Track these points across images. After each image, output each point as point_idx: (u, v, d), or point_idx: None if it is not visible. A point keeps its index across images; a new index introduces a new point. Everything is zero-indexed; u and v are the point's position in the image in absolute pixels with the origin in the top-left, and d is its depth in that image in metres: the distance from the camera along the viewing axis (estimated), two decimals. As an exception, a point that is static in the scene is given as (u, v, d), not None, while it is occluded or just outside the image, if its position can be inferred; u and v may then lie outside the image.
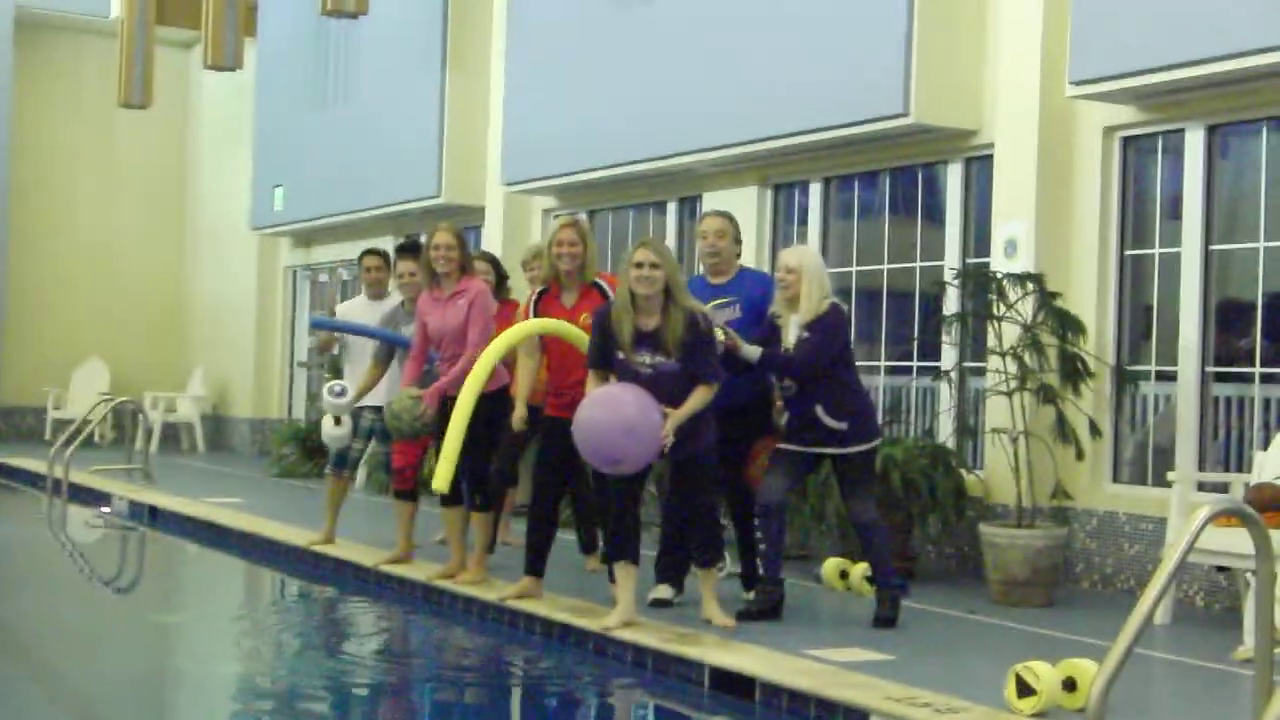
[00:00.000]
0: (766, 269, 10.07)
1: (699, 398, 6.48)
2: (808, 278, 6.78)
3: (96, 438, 16.86)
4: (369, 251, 9.40)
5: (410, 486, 8.39)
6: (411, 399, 7.45)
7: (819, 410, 6.74)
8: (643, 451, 6.36)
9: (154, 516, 11.78)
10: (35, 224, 18.91)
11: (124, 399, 14.80)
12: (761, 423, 7.13)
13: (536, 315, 7.33)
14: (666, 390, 6.44)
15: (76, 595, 8.90)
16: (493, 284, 8.58)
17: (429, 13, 13.56)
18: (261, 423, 17.68)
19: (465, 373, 7.26)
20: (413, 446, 8.27)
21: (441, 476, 7.02)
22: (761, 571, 6.93)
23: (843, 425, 6.75)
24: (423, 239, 7.93)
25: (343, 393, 8.62)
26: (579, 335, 7.02)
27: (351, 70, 15.19)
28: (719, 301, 7.15)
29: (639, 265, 6.43)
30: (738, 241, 7.36)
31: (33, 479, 14.41)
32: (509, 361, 7.58)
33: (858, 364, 7.15)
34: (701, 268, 7.44)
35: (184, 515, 11.32)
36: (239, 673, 6.72)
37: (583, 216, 8.78)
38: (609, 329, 6.53)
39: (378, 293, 9.23)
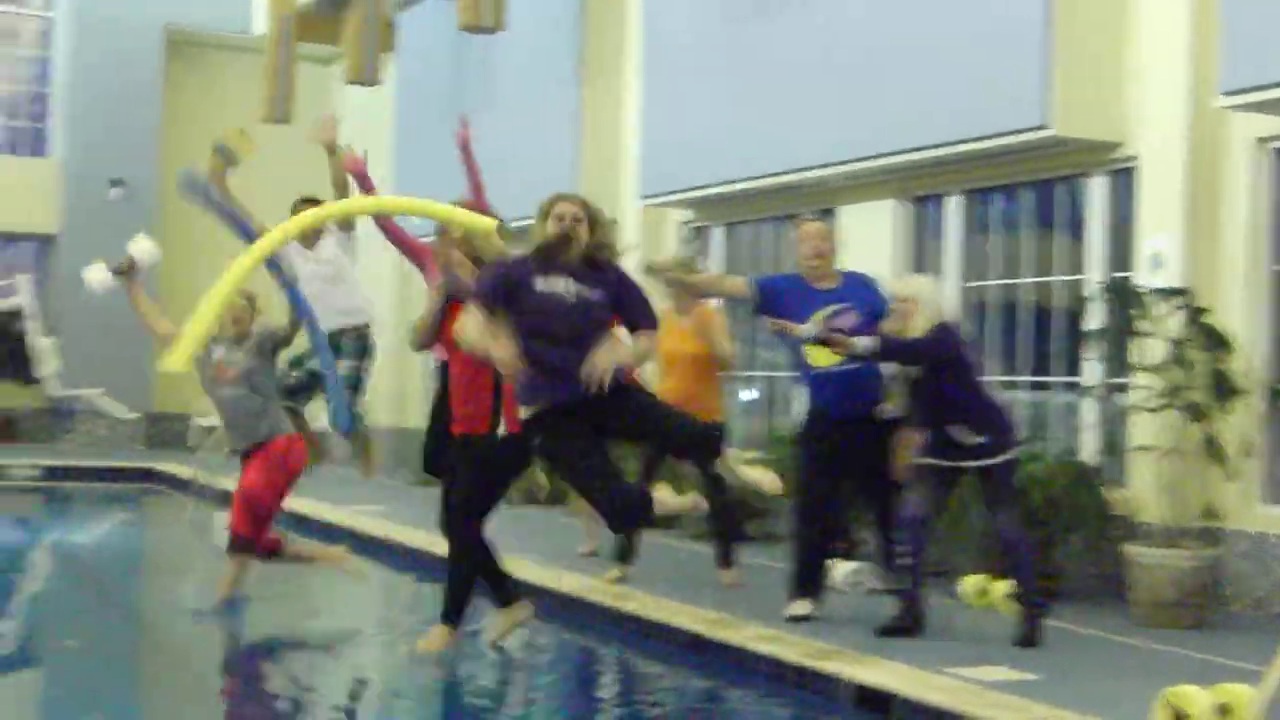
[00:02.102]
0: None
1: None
2: (924, 306, 6.86)
3: (240, 445, 17.24)
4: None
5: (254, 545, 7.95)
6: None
7: (955, 430, 6.77)
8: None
9: (298, 524, 12.00)
10: (185, 234, 19.42)
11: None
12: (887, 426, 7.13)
13: None
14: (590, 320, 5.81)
15: (224, 605, 9.12)
16: None
17: (565, 26, 13.70)
18: (401, 432, 17.94)
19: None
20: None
21: (180, 352, 5.88)
22: (901, 586, 6.94)
23: (981, 439, 6.77)
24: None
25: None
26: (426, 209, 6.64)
27: (489, 84, 15.38)
28: (835, 308, 7.10)
29: (560, 219, 5.93)
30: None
31: (179, 484, 14.79)
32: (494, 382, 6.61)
33: (996, 379, 7.08)
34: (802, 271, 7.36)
35: (327, 522, 11.53)
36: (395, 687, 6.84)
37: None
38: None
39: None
